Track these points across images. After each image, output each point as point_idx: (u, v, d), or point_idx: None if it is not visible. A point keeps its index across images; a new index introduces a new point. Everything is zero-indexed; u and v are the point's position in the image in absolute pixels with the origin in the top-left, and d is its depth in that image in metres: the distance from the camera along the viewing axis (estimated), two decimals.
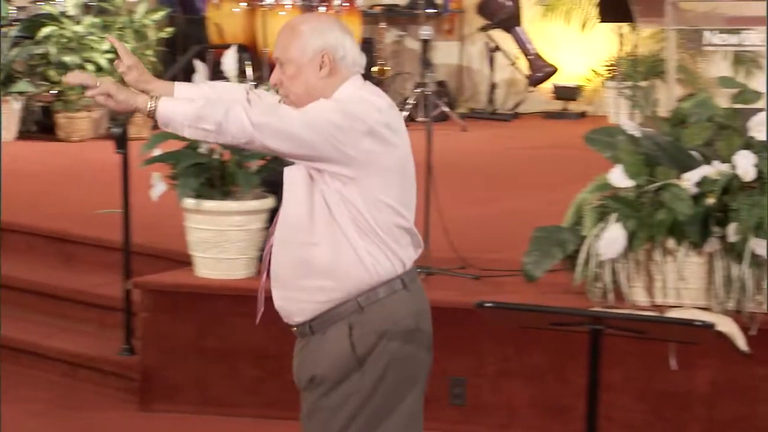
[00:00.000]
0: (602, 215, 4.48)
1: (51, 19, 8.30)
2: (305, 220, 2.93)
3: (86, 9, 8.46)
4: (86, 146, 8.19)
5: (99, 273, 5.48)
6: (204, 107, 2.86)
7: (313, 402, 3.00)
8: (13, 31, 8.45)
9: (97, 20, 8.37)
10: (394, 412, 2.98)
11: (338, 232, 2.90)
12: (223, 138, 2.87)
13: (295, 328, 3.05)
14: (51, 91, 8.44)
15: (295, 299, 2.99)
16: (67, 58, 8.19)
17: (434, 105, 8.41)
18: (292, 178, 2.96)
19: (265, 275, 3.07)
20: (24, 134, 8.41)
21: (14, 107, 8.32)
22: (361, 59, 3.03)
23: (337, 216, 2.90)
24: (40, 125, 8.53)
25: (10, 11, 8.71)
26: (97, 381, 5.05)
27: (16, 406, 4.83)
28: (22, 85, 8.26)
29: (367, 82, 3.03)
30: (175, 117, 2.87)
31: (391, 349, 2.96)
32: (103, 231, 5.53)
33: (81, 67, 8.22)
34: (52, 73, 8.28)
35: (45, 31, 8.21)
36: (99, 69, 8.24)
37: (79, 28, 8.27)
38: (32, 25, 8.39)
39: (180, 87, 3.14)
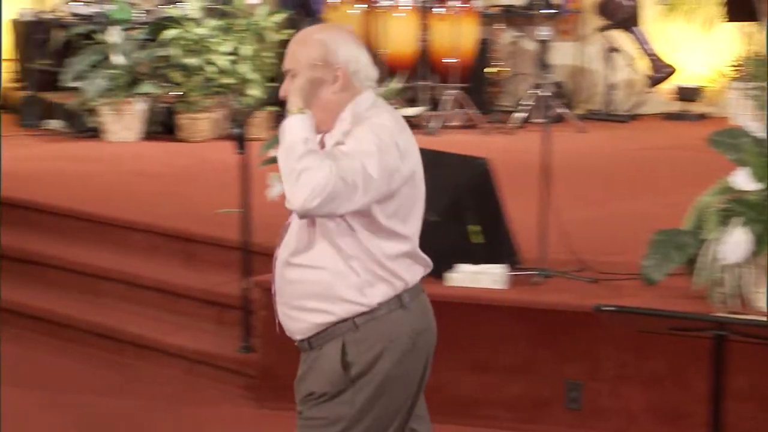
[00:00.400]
0: (725, 219, 4.38)
1: (175, 22, 8.47)
2: (306, 244, 2.90)
3: (208, 12, 8.62)
4: (207, 147, 8.33)
5: (218, 271, 5.56)
6: (306, 147, 2.78)
7: (307, 416, 2.99)
8: (139, 34, 8.66)
9: (218, 23, 8.52)
10: (385, 430, 2.97)
11: (339, 258, 2.88)
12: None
13: (296, 343, 3.05)
14: (173, 93, 8.63)
15: (294, 317, 2.98)
16: (189, 61, 8.35)
17: (551, 106, 8.36)
18: None
19: (274, 287, 3.05)
20: (148, 135, 8.60)
21: (139, 108, 8.52)
22: (374, 74, 2.99)
23: (341, 243, 2.87)
24: (163, 126, 8.72)
25: (136, 15, 8.93)
26: (215, 377, 5.12)
27: (139, 401, 4.95)
28: (147, 87, 8.45)
29: (378, 98, 2.98)
30: (284, 134, 2.84)
31: (385, 368, 2.93)
32: (222, 230, 5.61)
33: (203, 69, 8.38)
34: (174, 75, 8.45)
35: (169, 33, 8.38)
36: (220, 71, 8.39)
37: (201, 31, 8.42)
38: (157, 28, 8.57)
39: None
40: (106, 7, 8.87)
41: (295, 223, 2.93)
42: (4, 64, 9.97)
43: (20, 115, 9.14)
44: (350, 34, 3.01)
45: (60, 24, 9.32)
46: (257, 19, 8.59)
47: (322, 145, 2.92)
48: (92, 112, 8.49)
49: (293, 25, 9.16)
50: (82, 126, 8.59)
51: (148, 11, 9.17)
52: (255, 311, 5.03)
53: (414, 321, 2.98)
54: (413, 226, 2.98)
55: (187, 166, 7.68)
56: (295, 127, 2.82)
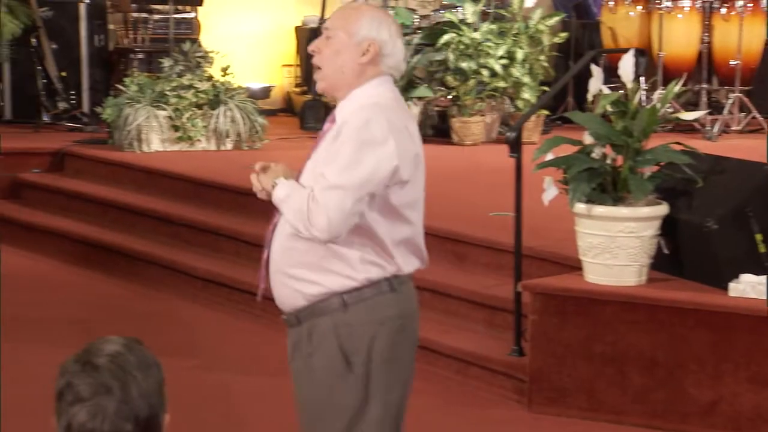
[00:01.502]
0: None
1: (451, 26, 8.58)
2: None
3: (484, 16, 8.68)
4: (478, 150, 8.39)
5: (490, 274, 5.59)
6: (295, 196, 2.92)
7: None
8: (416, 39, 8.83)
9: (493, 27, 8.57)
10: (383, 413, 2.98)
11: None
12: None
13: (284, 317, 3.06)
14: (447, 96, 8.75)
15: (283, 286, 3.02)
16: (464, 64, 8.44)
17: None
18: (306, 172, 3.00)
19: (266, 253, 3.07)
20: (422, 138, 8.72)
21: (413, 111, 8.69)
22: (403, 66, 3.11)
23: None
24: (436, 129, 8.85)
25: (414, 20, 9.12)
26: (487, 379, 5.14)
27: (414, 398, 5.03)
28: (422, 91, 8.61)
29: (394, 85, 3.06)
30: (277, 199, 2.96)
31: (379, 350, 2.97)
32: (495, 233, 5.63)
33: (477, 73, 8.45)
34: (449, 79, 8.56)
35: (445, 38, 8.50)
36: (493, 74, 8.43)
37: (476, 35, 8.50)
38: (433, 33, 8.72)
39: None
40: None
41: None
42: (287, 69, 10.42)
43: (302, 118, 9.51)
44: (396, 23, 3.11)
45: None
46: (532, 22, 8.57)
47: (332, 119, 3.02)
48: None
49: (567, 27, 9.10)
50: None
51: (424, 16, 9.35)
52: (526, 315, 5.02)
53: (402, 304, 3.03)
54: (420, 213, 3.03)
55: (459, 169, 7.75)
56: (280, 193, 2.95)
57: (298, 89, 10.32)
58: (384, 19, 3.07)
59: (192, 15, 9.39)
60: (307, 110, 9.51)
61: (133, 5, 9.17)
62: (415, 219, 3.03)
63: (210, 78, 8.32)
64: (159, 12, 9.20)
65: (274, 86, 10.26)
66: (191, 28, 9.36)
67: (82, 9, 8.98)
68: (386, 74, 3.05)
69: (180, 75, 8.21)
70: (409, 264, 3.04)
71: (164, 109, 8.03)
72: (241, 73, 9.03)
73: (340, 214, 2.87)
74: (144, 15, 9.20)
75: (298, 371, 3.10)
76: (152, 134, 8.00)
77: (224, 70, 8.39)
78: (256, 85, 9.86)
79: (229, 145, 8.20)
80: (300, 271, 2.99)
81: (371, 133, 2.91)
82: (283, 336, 5.65)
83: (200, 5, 9.19)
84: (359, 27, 3.01)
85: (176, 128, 8.07)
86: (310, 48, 3.07)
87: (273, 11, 10.37)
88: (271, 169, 3.04)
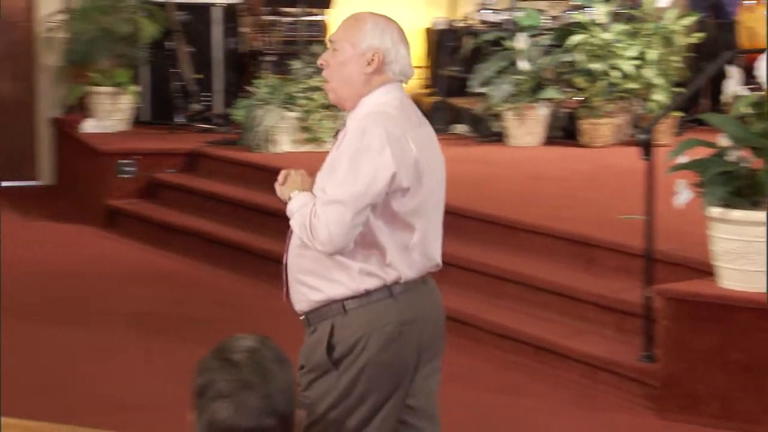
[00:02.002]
0: None
1: (581, 27, 8.48)
2: None
3: (615, 16, 8.56)
4: (608, 152, 8.27)
5: (619, 278, 5.50)
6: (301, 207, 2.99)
7: (301, 394, 3.04)
8: (545, 40, 8.76)
9: (625, 27, 8.43)
10: (369, 417, 2.96)
11: None
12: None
13: (301, 318, 3.13)
14: (576, 98, 8.65)
15: (295, 290, 3.10)
16: (594, 66, 8.33)
17: None
18: (318, 179, 3.04)
19: (285, 257, 3.15)
20: (549, 139, 8.67)
21: (542, 113, 8.62)
22: (410, 71, 3.10)
23: None
24: (564, 131, 8.76)
25: (543, 20, 9.04)
26: (616, 385, 5.06)
27: (540, 402, 5.01)
28: (550, 92, 8.53)
29: (402, 91, 3.08)
30: (290, 211, 3.03)
31: (368, 353, 2.99)
32: (625, 236, 5.54)
33: (607, 74, 8.33)
34: (578, 81, 8.47)
35: (574, 39, 8.40)
36: (624, 75, 8.30)
37: (607, 36, 8.38)
38: (563, 33, 8.63)
39: None
40: (515, 14, 9.06)
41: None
42: (416, 71, 10.46)
43: (429, 120, 9.50)
44: (398, 28, 3.11)
45: (470, 31, 9.63)
46: (666, 22, 8.41)
47: (344, 126, 3.05)
48: (497, 117, 8.69)
49: (703, 28, 8.90)
50: (487, 130, 8.81)
51: (554, 17, 9.26)
52: (657, 320, 4.93)
53: (401, 311, 3.03)
54: (426, 221, 3.04)
55: (588, 171, 7.66)
56: (292, 207, 3.03)
57: (425, 91, 10.33)
58: (386, 26, 3.09)
59: (322, 17, 9.49)
60: (434, 112, 9.50)
61: (265, 8, 9.31)
62: (420, 225, 3.04)
63: None
64: (290, 15, 9.32)
65: None
66: (321, 30, 9.45)
67: (217, 13, 9.16)
68: (394, 80, 3.07)
69: (309, 77, 8.30)
70: (414, 269, 3.05)
71: (294, 111, 8.13)
72: None
73: (341, 228, 2.92)
74: (275, 18, 9.33)
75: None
76: (282, 135, 8.11)
77: None
78: None
79: None
80: (307, 277, 3.07)
81: (367, 143, 2.94)
82: None
83: (329, 8, 9.27)
84: (362, 37, 3.05)
85: (305, 129, 8.16)
86: (319, 62, 3.11)
87: (402, 13, 10.39)
88: (290, 178, 3.10)
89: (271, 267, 6.80)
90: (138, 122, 9.01)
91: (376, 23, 3.07)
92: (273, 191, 7.57)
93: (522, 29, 8.73)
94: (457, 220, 6.40)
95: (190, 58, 9.00)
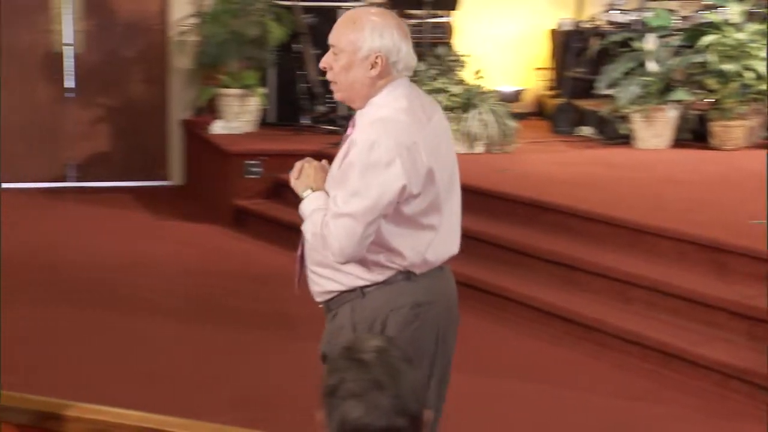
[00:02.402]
0: None
1: (713, 27, 8.29)
2: None
3: (750, 16, 8.34)
4: (740, 154, 8.08)
5: (751, 284, 5.37)
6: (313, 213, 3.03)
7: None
8: (675, 40, 8.59)
9: (760, 27, 8.21)
10: None
11: None
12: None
13: (320, 305, 3.19)
14: (707, 100, 8.46)
15: (313, 280, 3.16)
16: (726, 66, 8.14)
17: None
18: (330, 179, 3.07)
19: (300, 249, 3.20)
20: (678, 142, 8.51)
21: (671, 115, 8.45)
22: (413, 63, 3.07)
23: None
24: (694, 133, 8.58)
25: (674, 20, 8.87)
26: (747, 393, 4.94)
27: (668, 408, 4.91)
28: (680, 94, 8.36)
29: (412, 85, 3.08)
30: (302, 213, 3.07)
31: (386, 334, 2.98)
32: (757, 241, 5.41)
33: (740, 75, 8.13)
34: (710, 82, 8.28)
35: (706, 39, 8.22)
36: (758, 77, 8.09)
37: (741, 36, 8.17)
38: (694, 34, 8.45)
39: None
40: (644, 15, 8.91)
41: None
42: (540, 72, 10.37)
43: (554, 122, 9.43)
44: (397, 23, 3.05)
45: (597, 32, 9.51)
46: None
47: (353, 125, 3.07)
48: (624, 119, 8.56)
49: None
50: (613, 133, 8.68)
51: (685, 17, 9.08)
52: None
53: (417, 293, 3.06)
54: (440, 215, 3.07)
55: (719, 174, 7.49)
56: (305, 209, 3.07)
57: (550, 93, 10.24)
58: (385, 25, 3.02)
59: (447, 19, 9.48)
60: (559, 114, 9.42)
61: (390, 11, 9.33)
62: (434, 221, 3.07)
63: (462, 81, 8.37)
64: (415, 17, 9.34)
65: (525, 89, 10.22)
66: (445, 32, 9.44)
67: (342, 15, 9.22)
68: (399, 77, 3.06)
69: (433, 79, 8.30)
70: (428, 264, 3.09)
71: None
72: (494, 76, 9.04)
73: (352, 240, 2.95)
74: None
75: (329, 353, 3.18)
76: None
77: (476, 73, 8.42)
78: (508, 88, 9.85)
79: (480, 149, 8.23)
80: (321, 269, 3.13)
81: (376, 157, 2.93)
82: (545, 344, 5.68)
83: (456, 10, 9.25)
84: (362, 41, 3.00)
85: None
86: (321, 65, 3.10)
87: (527, 14, 10.34)
88: (304, 172, 3.13)
89: None
90: (264, 124, 9.13)
91: (375, 24, 3.01)
92: None
93: (651, 30, 8.58)
94: (583, 223, 6.33)
95: (316, 60, 9.09)
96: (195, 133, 9.24)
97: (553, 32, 10.24)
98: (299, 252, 3.21)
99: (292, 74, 9.07)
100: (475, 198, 7.01)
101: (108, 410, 2.78)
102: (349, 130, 3.12)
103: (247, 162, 8.29)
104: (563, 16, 10.13)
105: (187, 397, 4.90)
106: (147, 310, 6.17)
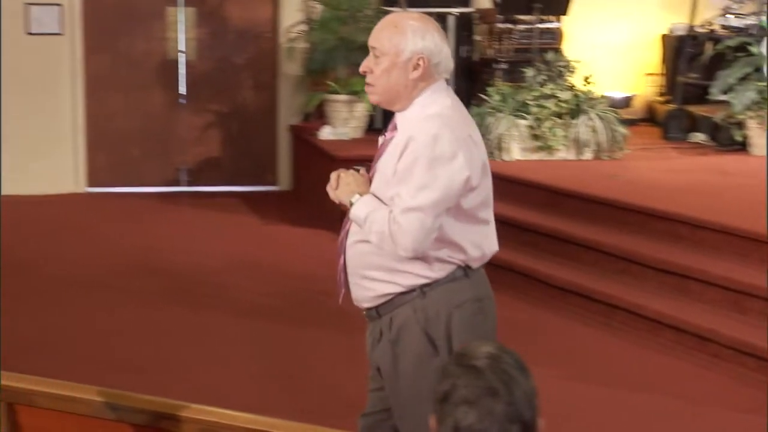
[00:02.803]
0: None
1: None
2: None
3: None
4: None
5: None
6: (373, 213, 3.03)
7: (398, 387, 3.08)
8: None
9: None
10: None
11: None
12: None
13: (364, 312, 3.15)
14: None
15: (363, 286, 3.11)
16: None
17: None
18: (381, 181, 3.07)
19: (342, 258, 3.15)
20: None
21: None
22: (452, 66, 3.11)
23: None
24: None
25: None
26: None
27: None
28: None
29: (448, 88, 3.10)
30: (356, 217, 3.07)
31: (457, 333, 3.02)
32: None
33: None
34: None
35: None
36: None
37: None
38: None
39: None
40: (762, 19, 8.71)
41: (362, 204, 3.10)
42: (650, 78, 10.22)
43: (665, 128, 9.29)
44: (436, 25, 3.09)
45: (711, 37, 9.33)
46: None
47: (394, 128, 3.09)
48: (739, 125, 8.38)
49: None
50: (727, 139, 8.51)
51: None
52: None
53: (477, 287, 3.10)
54: (490, 212, 3.14)
55: None
56: (359, 213, 3.06)
57: (661, 98, 10.09)
58: (426, 28, 3.07)
59: (556, 25, 9.41)
60: (670, 120, 9.28)
61: (500, 16, 9.31)
62: (488, 215, 3.14)
63: (572, 87, 8.30)
64: (524, 22, 9.29)
65: (636, 95, 10.09)
66: (555, 37, 9.37)
67: (451, 21, 9.23)
68: (439, 79, 3.09)
69: (542, 84, 8.25)
70: (482, 258, 3.15)
71: (525, 119, 8.10)
72: (603, 82, 8.94)
73: (423, 233, 2.97)
74: (509, 26, 9.32)
75: (382, 360, 3.16)
76: (513, 143, 8.09)
77: (586, 79, 8.34)
78: (618, 94, 9.73)
79: (588, 155, 8.15)
80: (375, 272, 3.09)
81: (441, 150, 2.96)
82: (655, 353, 5.59)
83: (565, 14, 9.18)
84: (405, 43, 3.03)
85: (536, 137, 8.12)
86: (362, 69, 3.10)
87: (638, 19, 10.20)
88: (342, 181, 3.14)
89: (500, 275, 6.81)
90: (371, 129, 9.19)
91: (416, 28, 3.06)
92: (506, 199, 7.61)
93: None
94: (695, 231, 6.22)
95: None
96: (303, 138, 9.33)
97: (665, 37, 10.08)
98: (341, 262, 3.19)
99: None
100: (583, 205, 6.96)
101: (219, 411, 2.83)
102: (389, 133, 3.13)
103: (354, 167, 8.32)
104: (675, 21, 9.97)
105: (296, 399, 4.94)
106: (255, 312, 6.25)
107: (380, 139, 3.21)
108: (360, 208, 3.08)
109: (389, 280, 3.10)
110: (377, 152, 3.18)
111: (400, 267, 3.08)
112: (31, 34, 9.28)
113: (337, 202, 3.17)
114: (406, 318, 3.10)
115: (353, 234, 3.14)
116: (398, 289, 3.10)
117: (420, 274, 3.08)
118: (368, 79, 3.10)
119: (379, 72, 3.07)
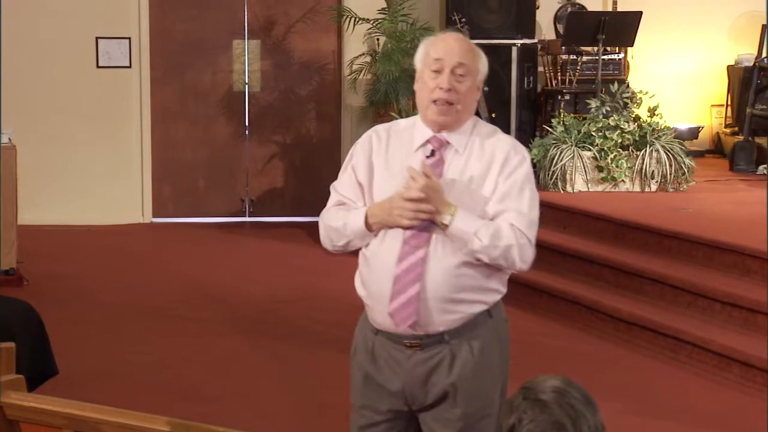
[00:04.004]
0: None
1: None
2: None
3: None
4: None
5: None
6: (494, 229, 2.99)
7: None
8: None
9: None
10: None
11: None
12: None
13: (419, 340, 3.00)
14: None
15: (444, 309, 2.99)
16: None
17: None
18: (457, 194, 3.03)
19: (417, 286, 2.97)
20: None
21: None
22: None
23: None
24: None
25: None
26: None
27: None
28: None
29: None
30: (465, 230, 2.96)
31: (507, 346, 3.15)
32: None
33: None
34: None
35: None
36: None
37: None
38: None
39: None
40: None
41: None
42: (717, 109, 10.11)
43: (732, 160, 9.18)
44: None
45: None
46: None
47: (439, 144, 3.03)
48: None
49: None
50: None
51: None
52: None
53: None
54: None
55: None
56: (468, 227, 2.96)
57: (727, 130, 9.98)
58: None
59: (620, 56, 9.37)
60: (737, 151, 9.17)
61: (563, 47, 9.29)
62: None
63: (637, 119, 8.24)
64: (588, 54, 9.26)
65: (702, 127, 9.99)
66: (619, 68, 9.33)
67: (514, 52, 9.23)
68: None
69: (606, 116, 8.20)
70: None
71: (589, 150, 8.05)
72: (669, 113, 8.87)
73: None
74: (573, 57, 9.30)
75: (459, 384, 3.05)
76: (576, 174, 8.05)
77: (651, 110, 8.28)
78: (685, 125, 9.65)
79: (653, 187, 8.08)
80: (466, 294, 3.01)
81: (530, 169, 3.08)
82: (723, 388, 5.50)
83: (631, 46, 9.13)
84: (482, 65, 3.07)
85: (600, 169, 8.07)
86: (446, 86, 3.00)
87: (704, 50, 10.12)
88: (434, 193, 2.97)
89: (562, 306, 6.77)
90: None
91: (480, 49, 3.11)
92: (570, 231, 7.53)
93: None
94: (763, 265, 6.13)
95: (486, 97, 9.11)
96: None
97: (730, 68, 9.98)
98: (415, 290, 2.98)
99: None
100: (649, 237, 6.89)
101: None
102: (437, 155, 3.04)
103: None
104: (741, 52, 9.87)
105: None
106: (320, 342, 6.26)
107: (423, 158, 3.05)
108: (466, 222, 2.95)
109: (479, 300, 3.04)
110: (432, 162, 3.05)
111: (488, 285, 3.05)
112: (100, 67, 9.44)
113: (420, 216, 2.94)
114: (486, 338, 3.06)
115: (439, 257, 2.98)
116: (484, 307, 3.05)
117: (500, 290, 3.10)
118: (451, 98, 3.01)
119: (464, 90, 3.02)
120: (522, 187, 3.01)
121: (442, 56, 3.02)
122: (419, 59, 3.11)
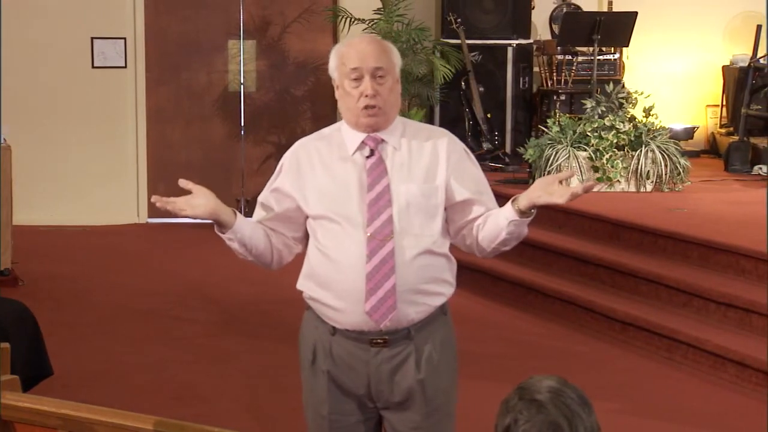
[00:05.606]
0: None
1: None
2: (438, 233, 3.03)
3: None
4: None
5: None
6: None
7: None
8: None
9: None
10: None
11: (447, 244, 3.07)
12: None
13: (386, 337, 2.97)
14: None
15: (413, 303, 2.98)
16: None
17: None
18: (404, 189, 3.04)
19: (392, 279, 2.94)
20: None
21: None
22: None
23: (446, 231, 3.11)
24: None
25: None
26: None
27: None
28: None
29: None
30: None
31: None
32: None
33: None
34: None
35: None
36: None
37: None
38: None
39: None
40: None
41: (411, 216, 2.98)
42: (712, 109, 10.12)
43: (727, 160, 9.19)
44: None
45: None
46: None
47: (375, 143, 3.01)
48: None
49: None
50: None
51: None
52: None
53: None
54: None
55: None
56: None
57: (723, 130, 9.99)
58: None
59: (616, 56, 9.37)
60: (732, 152, 9.18)
61: (559, 48, 9.29)
62: None
63: (632, 119, 8.24)
64: (583, 54, 9.27)
65: (697, 127, 9.99)
66: (615, 69, 9.34)
67: (510, 53, 9.23)
68: None
69: (602, 116, 8.21)
70: None
71: (585, 150, 8.06)
72: (664, 113, 8.88)
73: None
74: (568, 57, 9.30)
75: (421, 382, 3.03)
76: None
77: (647, 110, 8.29)
78: (680, 126, 9.65)
79: (648, 187, 8.08)
80: (430, 285, 3.01)
81: (470, 153, 3.22)
82: (718, 388, 5.50)
83: (626, 46, 9.13)
84: (396, 58, 3.05)
85: (596, 169, 8.07)
86: (369, 92, 2.97)
87: (700, 51, 10.13)
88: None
89: (558, 307, 6.76)
90: None
91: (390, 43, 3.11)
92: (566, 231, 7.51)
93: None
94: (758, 265, 6.14)
95: (481, 97, 9.12)
96: None
97: (726, 68, 9.99)
98: (392, 283, 2.93)
99: (458, 112, 9.11)
100: (644, 237, 6.89)
101: None
102: (376, 153, 3.01)
103: None
104: (736, 53, 9.88)
105: None
106: None
107: (362, 159, 3.03)
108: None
109: (440, 291, 3.05)
110: (372, 171, 3.01)
111: (445, 276, 3.05)
112: (95, 67, 9.43)
113: (561, 201, 2.99)
114: (444, 334, 3.09)
115: (408, 248, 2.96)
116: (443, 301, 3.06)
117: (453, 283, 3.11)
118: (376, 102, 2.98)
119: (386, 92, 3.00)
120: (477, 176, 3.13)
121: (359, 65, 2.99)
122: (334, 68, 3.08)
